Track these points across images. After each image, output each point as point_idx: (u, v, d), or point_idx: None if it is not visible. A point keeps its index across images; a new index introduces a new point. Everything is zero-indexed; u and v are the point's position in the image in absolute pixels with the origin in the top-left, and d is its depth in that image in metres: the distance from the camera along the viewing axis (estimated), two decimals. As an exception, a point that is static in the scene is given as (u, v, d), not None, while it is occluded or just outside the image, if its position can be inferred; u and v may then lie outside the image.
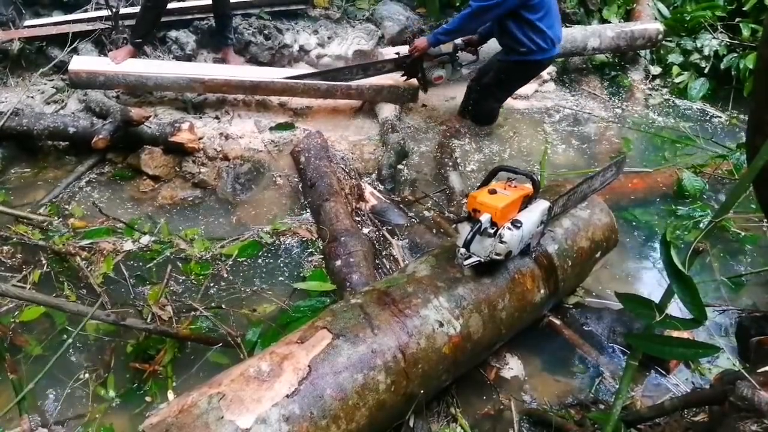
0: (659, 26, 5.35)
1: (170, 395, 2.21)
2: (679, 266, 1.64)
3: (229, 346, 2.41)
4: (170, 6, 4.23)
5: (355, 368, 1.77)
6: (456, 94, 4.64)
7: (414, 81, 4.22)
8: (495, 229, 2.01)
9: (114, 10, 4.17)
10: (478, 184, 2.27)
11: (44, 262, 2.76)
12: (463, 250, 2.00)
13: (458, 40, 4.00)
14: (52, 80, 4.15)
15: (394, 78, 4.24)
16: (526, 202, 2.15)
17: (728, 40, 5.16)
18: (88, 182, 3.42)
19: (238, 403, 1.59)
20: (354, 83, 4.12)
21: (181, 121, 3.57)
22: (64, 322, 2.46)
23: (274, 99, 4.27)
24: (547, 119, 4.58)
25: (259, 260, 2.97)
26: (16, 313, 2.51)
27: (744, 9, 5.14)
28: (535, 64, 3.99)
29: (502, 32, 3.86)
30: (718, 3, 5.26)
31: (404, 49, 4.10)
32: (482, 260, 2.05)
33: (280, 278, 2.88)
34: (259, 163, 3.63)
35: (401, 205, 3.46)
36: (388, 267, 2.94)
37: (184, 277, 2.81)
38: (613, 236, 2.69)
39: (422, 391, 1.92)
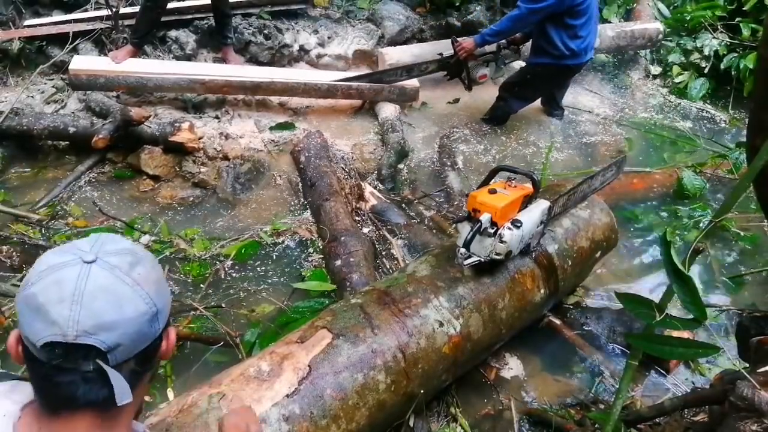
0: (659, 26, 5.35)
1: (170, 394, 2.21)
2: (679, 266, 1.64)
3: (228, 346, 2.41)
4: (170, 5, 4.22)
5: (355, 368, 1.77)
6: (456, 93, 4.64)
7: (412, 83, 4.24)
8: (495, 228, 2.01)
9: (114, 9, 4.17)
10: (478, 183, 2.26)
11: (44, 261, 2.76)
12: (463, 250, 2.00)
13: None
14: (52, 80, 4.15)
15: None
16: (526, 201, 2.15)
17: (728, 39, 5.15)
18: (88, 182, 3.42)
19: (238, 403, 1.59)
20: (355, 83, 4.12)
21: (181, 121, 3.56)
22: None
23: (274, 99, 4.27)
24: (548, 119, 4.58)
25: (259, 260, 2.97)
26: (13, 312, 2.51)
27: (744, 9, 5.13)
28: (565, 68, 4.02)
29: (538, 33, 3.86)
30: (718, 3, 5.25)
31: (447, 50, 4.10)
32: (482, 260, 2.05)
33: (280, 278, 2.88)
34: (259, 162, 3.63)
35: (401, 205, 3.46)
36: (388, 267, 2.94)
37: (183, 277, 2.81)
38: (613, 236, 2.69)
39: (422, 391, 1.92)
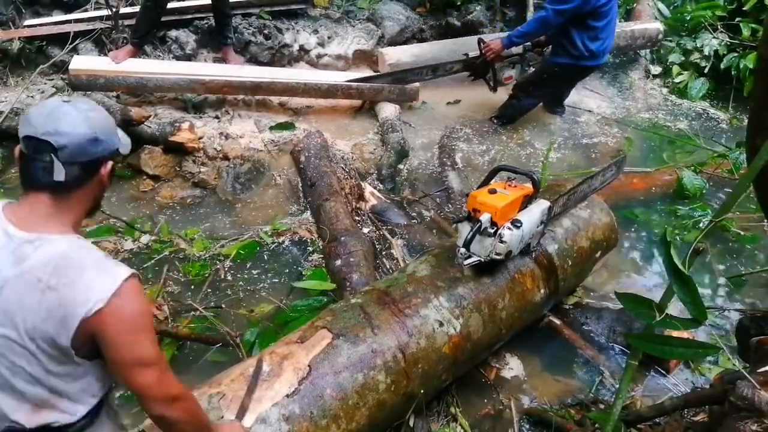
0: (659, 26, 5.35)
1: (170, 395, 2.20)
2: (679, 266, 1.64)
3: (228, 346, 2.41)
4: (170, 5, 4.22)
5: (355, 368, 1.77)
6: (456, 94, 4.64)
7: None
8: (495, 228, 2.01)
9: (114, 9, 4.17)
10: (478, 183, 2.26)
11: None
12: (463, 250, 2.00)
13: None
14: (52, 80, 4.15)
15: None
16: (527, 201, 2.15)
17: (728, 39, 5.15)
18: (88, 182, 3.41)
19: (238, 403, 1.59)
20: (355, 83, 4.12)
21: (181, 121, 3.57)
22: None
23: (274, 99, 4.27)
24: (549, 119, 4.57)
25: (259, 260, 2.97)
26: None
27: (744, 9, 5.13)
28: (581, 69, 4.05)
29: (560, 32, 3.88)
30: (718, 3, 5.25)
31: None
32: (482, 260, 2.05)
33: (280, 278, 2.87)
34: (259, 162, 3.63)
35: (401, 205, 3.45)
36: (388, 267, 2.93)
37: (183, 277, 2.81)
38: (613, 236, 2.69)
39: (422, 391, 1.92)
